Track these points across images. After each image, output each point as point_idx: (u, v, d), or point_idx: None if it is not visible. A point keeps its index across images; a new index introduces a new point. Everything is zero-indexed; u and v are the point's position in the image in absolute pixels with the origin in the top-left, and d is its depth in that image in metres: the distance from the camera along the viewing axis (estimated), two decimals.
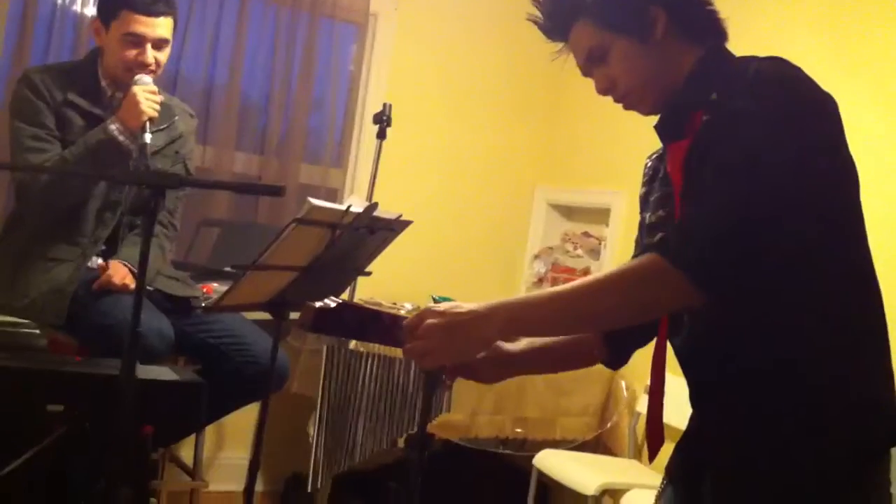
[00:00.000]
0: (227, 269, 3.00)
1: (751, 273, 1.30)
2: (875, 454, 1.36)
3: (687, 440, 1.52)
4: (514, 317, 1.35)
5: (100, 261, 2.70)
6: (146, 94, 2.60)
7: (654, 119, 1.51)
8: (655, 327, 1.50)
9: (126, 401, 1.67)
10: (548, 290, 1.40)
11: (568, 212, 4.42)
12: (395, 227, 2.38)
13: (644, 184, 1.61)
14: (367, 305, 1.91)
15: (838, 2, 3.19)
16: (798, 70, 1.35)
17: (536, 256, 4.38)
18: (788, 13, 3.33)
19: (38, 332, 2.42)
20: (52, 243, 2.65)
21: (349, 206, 2.19)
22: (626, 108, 1.52)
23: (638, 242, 1.62)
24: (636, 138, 1.97)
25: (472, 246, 4.31)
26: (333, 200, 3.62)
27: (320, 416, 2.89)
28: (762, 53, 1.40)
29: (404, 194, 3.80)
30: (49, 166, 2.59)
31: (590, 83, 1.53)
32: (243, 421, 3.36)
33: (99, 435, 1.93)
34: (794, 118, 1.31)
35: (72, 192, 2.64)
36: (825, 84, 1.36)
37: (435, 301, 3.76)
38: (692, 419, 1.52)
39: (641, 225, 1.59)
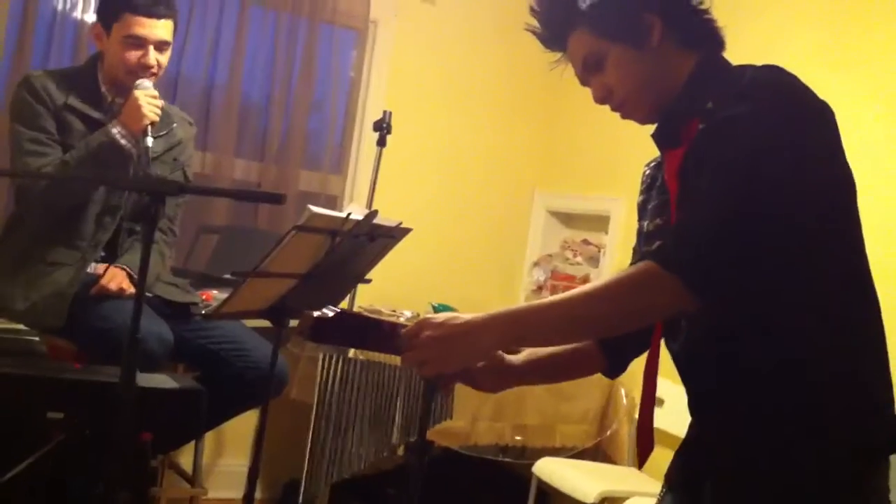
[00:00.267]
0: (227, 275, 3.00)
1: (746, 275, 1.30)
2: (875, 456, 1.36)
3: (686, 447, 1.52)
4: (512, 327, 1.36)
5: (99, 266, 2.70)
6: (148, 98, 2.61)
7: (654, 126, 1.52)
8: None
9: (125, 408, 1.67)
10: (545, 299, 1.40)
11: (567, 219, 4.42)
12: (395, 234, 2.38)
13: (642, 192, 1.62)
14: (366, 313, 1.91)
15: (837, 1, 3.20)
16: (794, 78, 1.35)
17: (536, 264, 4.38)
18: (787, 13, 3.33)
19: (37, 338, 2.42)
20: (52, 247, 2.66)
21: (349, 214, 2.20)
22: (624, 116, 1.53)
23: (636, 251, 1.61)
24: (636, 145, 1.98)
25: (472, 253, 4.31)
26: (333, 207, 3.64)
27: (315, 425, 2.88)
28: (761, 53, 1.41)
29: (404, 201, 3.81)
30: (50, 170, 2.60)
31: (588, 91, 1.54)
32: (242, 428, 3.36)
33: (98, 442, 1.93)
34: (790, 122, 1.31)
35: (72, 195, 2.65)
36: (824, 84, 1.36)
37: (434, 309, 3.76)
38: (692, 426, 1.52)
39: (639, 233, 1.59)
